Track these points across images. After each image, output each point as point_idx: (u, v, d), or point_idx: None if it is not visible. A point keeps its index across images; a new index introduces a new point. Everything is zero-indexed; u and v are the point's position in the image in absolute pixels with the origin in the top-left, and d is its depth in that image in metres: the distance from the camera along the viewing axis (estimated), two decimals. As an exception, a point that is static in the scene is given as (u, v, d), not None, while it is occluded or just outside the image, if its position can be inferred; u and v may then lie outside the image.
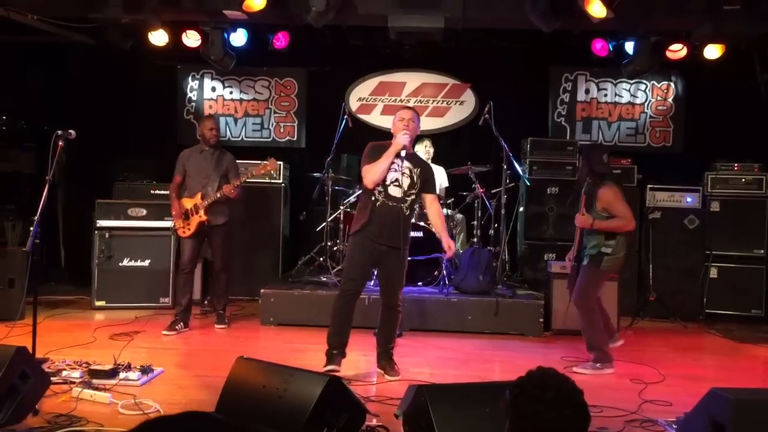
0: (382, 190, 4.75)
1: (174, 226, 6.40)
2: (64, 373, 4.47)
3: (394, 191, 4.76)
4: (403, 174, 4.77)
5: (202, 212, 6.09)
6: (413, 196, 4.83)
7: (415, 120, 4.89)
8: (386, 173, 4.73)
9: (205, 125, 6.36)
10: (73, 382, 4.30)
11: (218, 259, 6.34)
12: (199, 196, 6.13)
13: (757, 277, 7.41)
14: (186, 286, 6.26)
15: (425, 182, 4.93)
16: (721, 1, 5.91)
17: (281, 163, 7.87)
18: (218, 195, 6.07)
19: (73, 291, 7.65)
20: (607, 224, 5.13)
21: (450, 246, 4.86)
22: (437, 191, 7.57)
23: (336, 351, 4.84)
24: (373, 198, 4.77)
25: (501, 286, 6.80)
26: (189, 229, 6.15)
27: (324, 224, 7.15)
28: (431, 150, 7.71)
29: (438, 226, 5.07)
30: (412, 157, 4.96)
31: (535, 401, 2.00)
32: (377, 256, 4.82)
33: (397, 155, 4.73)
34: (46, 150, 4.67)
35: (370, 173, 4.73)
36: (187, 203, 6.18)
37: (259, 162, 6.41)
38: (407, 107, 5.21)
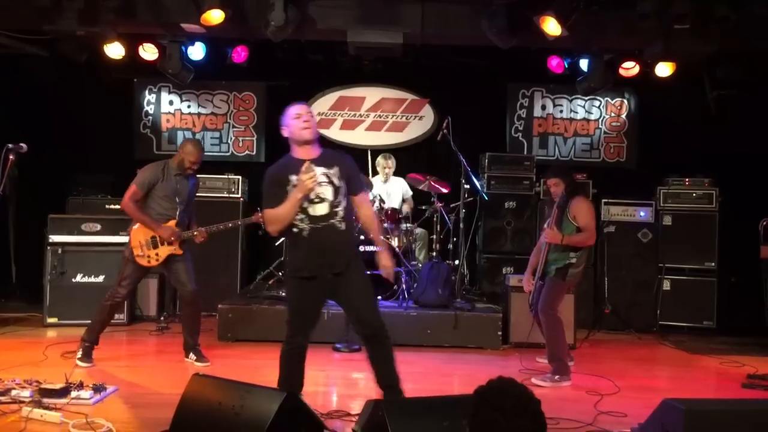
0: (304, 216, 3.86)
1: (136, 252, 5.33)
2: (14, 392, 4.33)
3: (320, 209, 3.87)
4: (320, 184, 3.86)
5: (176, 245, 5.37)
6: (343, 202, 3.93)
7: (313, 117, 4.06)
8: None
9: (191, 154, 5.44)
10: (23, 402, 4.17)
11: (191, 283, 5.47)
12: (173, 223, 5.39)
13: (709, 289, 7.59)
14: (110, 317, 5.52)
15: (349, 179, 3.99)
16: (672, 20, 6.07)
17: (239, 177, 7.84)
18: (191, 234, 5.46)
19: (24, 308, 7.45)
20: (575, 239, 5.30)
21: (387, 265, 4.10)
22: (400, 199, 7.71)
23: None
24: (296, 230, 3.89)
25: (460, 300, 6.83)
26: (156, 260, 5.35)
27: (283, 239, 7.09)
28: (392, 163, 7.81)
29: (373, 232, 4.22)
30: (323, 158, 3.97)
31: (495, 411, 2.09)
32: (326, 291, 4.02)
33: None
34: (-4, 164, 4.57)
35: (275, 223, 3.88)
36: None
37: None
38: (300, 104, 4.13)
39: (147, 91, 8.71)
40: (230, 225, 5.58)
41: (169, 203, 5.42)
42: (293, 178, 3.85)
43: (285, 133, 4.03)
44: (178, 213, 5.43)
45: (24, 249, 8.13)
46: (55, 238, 6.92)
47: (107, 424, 3.86)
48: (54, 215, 7.03)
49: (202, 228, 5.50)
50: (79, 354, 5.35)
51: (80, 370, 5.08)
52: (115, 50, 7.31)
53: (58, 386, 4.34)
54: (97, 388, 4.46)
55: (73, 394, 4.31)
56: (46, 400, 4.17)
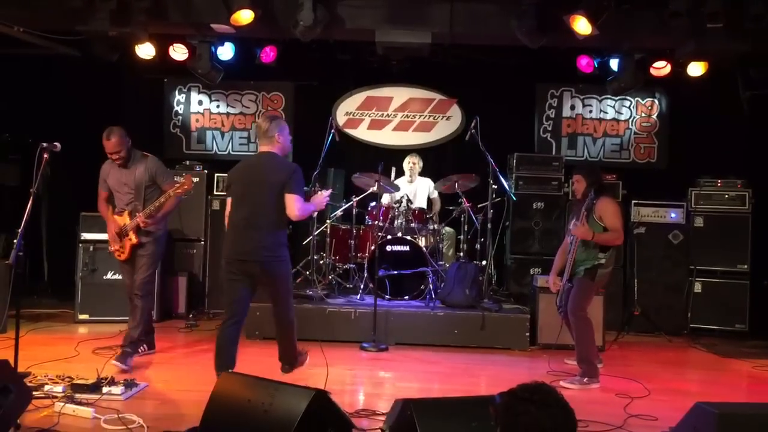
0: None
1: (110, 248, 5.61)
2: (47, 387, 4.42)
3: None
4: None
5: (132, 235, 5.42)
6: None
7: None
8: None
9: (105, 147, 5.48)
10: (56, 397, 4.25)
11: (138, 277, 5.48)
12: (126, 215, 5.48)
13: (741, 292, 7.46)
14: (133, 312, 5.58)
15: None
16: (705, 19, 5.98)
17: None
18: (136, 222, 5.38)
19: (57, 304, 7.57)
20: (604, 237, 5.25)
21: None
22: (426, 199, 7.85)
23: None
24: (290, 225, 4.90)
25: (487, 300, 6.80)
26: (124, 253, 5.50)
27: (310, 238, 7.14)
28: (420, 163, 7.82)
29: None
30: None
31: (526, 402, 2.18)
32: None
33: None
34: (30, 162, 4.63)
35: (305, 212, 4.69)
36: (118, 221, 5.53)
37: (175, 181, 5.56)
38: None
39: (177, 91, 8.79)
40: (162, 200, 5.34)
41: (120, 196, 5.56)
42: None
43: (280, 140, 4.71)
44: (131, 203, 5.50)
45: (56, 246, 8.29)
46: (86, 236, 7.03)
47: (138, 420, 3.91)
48: (85, 213, 7.11)
49: (143, 211, 5.45)
50: None
51: (110, 367, 5.13)
52: (146, 50, 7.39)
53: (89, 382, 4.42)
54: (128, 384, 4.52)
55: (105, 389, 4.38)
56: (78, 396, 4.25)
